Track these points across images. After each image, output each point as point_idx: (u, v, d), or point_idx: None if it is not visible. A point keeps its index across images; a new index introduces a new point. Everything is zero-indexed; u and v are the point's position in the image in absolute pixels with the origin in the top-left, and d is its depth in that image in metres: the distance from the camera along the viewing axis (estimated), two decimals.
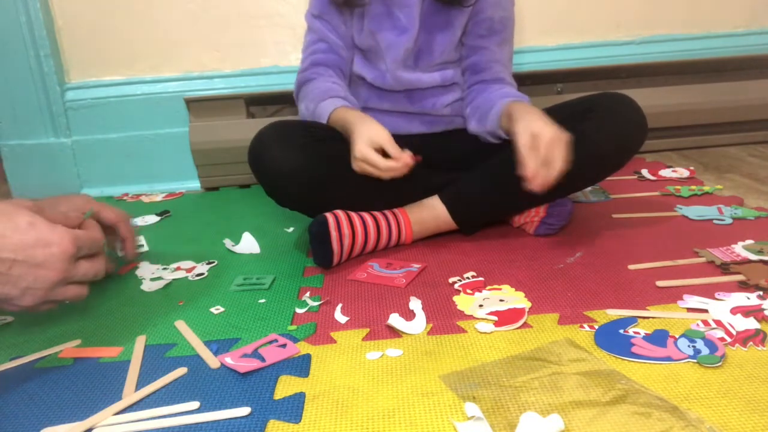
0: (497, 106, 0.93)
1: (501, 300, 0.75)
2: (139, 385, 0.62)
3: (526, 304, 0.74)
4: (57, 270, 0.59)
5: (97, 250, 0.65)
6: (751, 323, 0.66)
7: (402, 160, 0.84)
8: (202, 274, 0.91)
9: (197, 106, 1.41)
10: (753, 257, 0.83)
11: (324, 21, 0.99)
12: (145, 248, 1.05)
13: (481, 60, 1.00)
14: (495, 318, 0.70)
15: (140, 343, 0.71)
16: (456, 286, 0.80)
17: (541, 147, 0.78)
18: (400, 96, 1.02)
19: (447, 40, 0.98)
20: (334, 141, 0.98)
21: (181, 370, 0.64)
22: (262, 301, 0.81)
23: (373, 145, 0.84)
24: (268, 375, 0.62)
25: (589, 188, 1.19)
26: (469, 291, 0.78)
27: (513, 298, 0.76)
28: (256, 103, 1.43)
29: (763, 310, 0.69)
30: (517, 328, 0.68)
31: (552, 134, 0.78)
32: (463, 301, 0.75)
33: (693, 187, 1.18)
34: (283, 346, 0.68)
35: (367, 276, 0.86)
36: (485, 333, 0.68)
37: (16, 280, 0.57)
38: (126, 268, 0.95)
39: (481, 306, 0.73)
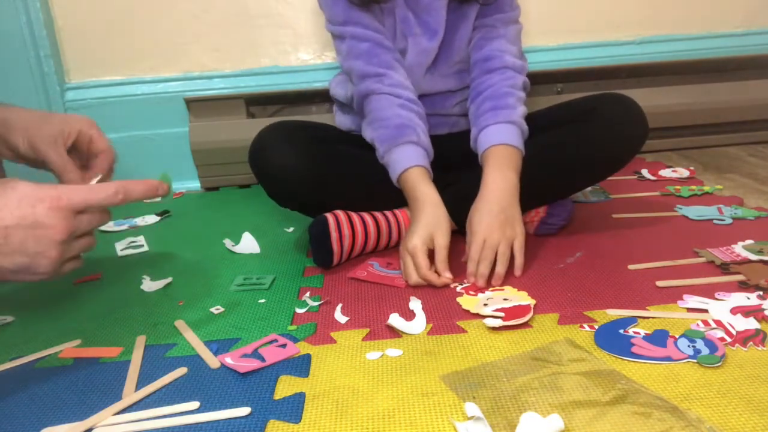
0: (478, 144, 0.91)
1: (505, 299, 0.75)
2: (139, 385, 0.62)
3: (530, 301, 0.74)
4: (56, 226, 0.55)
5: (98, 205, 0.60)
6: (751, 323, 0.66)
7: (443, 280, 0.80)
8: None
9: (197, 106, 1.41)
10: (753, 257, 0.83)
11: (354, 24, 0.94)
12: (145, 248, 1.06)
13: (485, 37, 0.97)
14: (502, 314, 0.70)
15: (140, 343, 0.71)
16: (458, 289, 0.80)
17: (488, 252, 0.81)
18: None
19: (464, 35, 0.97)
20: (335, 141, 0.98)
21: (181, 370, 0.64)
22: (262, 301, 0.81)
23: (430, 245, 0.81)
24: (268, 375, 0.62)
25: (589, 188, 1.20)
26: (471, 292, 0.78)
27: (517, 296, 0.76)
28: (256, 103, 1.43)
29: (763, 310, 0.69)
30: (520, 326, 0.68)
31: (496, 241, 0.81)
32: (467, 302, 0.75)
33: (693, 187, 1.18)
34: (283, 346, 0.68)
35: (367, 275, 0.86)
36: (494, 328, 0.68)
37: (20, 246, 0.55)
38: (87, 278, 0.93)
39: (485, 305, 0.73)
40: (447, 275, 0.80)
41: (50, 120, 0.74)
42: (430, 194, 0.85)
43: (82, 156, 0.78)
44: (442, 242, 0.81)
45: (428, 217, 0.83)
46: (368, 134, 0.94)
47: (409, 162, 0.88)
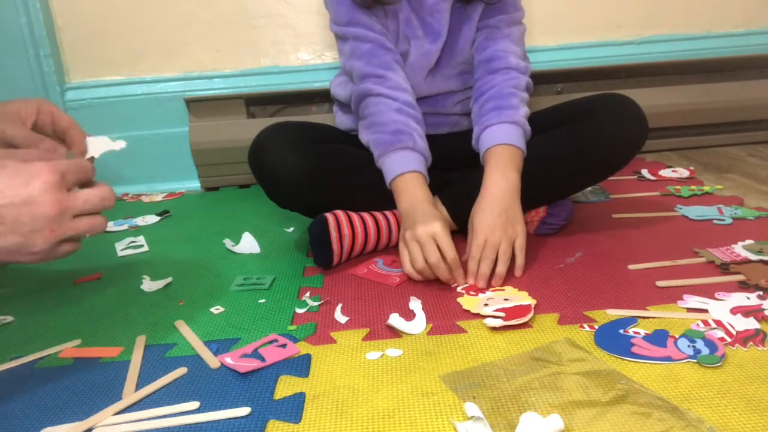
0: (480, 144, 0.91)
1: (505, 299, 0.75)
2: (139, 385, 0.62)
3: (531, 301, 0.74)
4: (49, 202, 0.54)
5: (84, 175, 0.59)
6: (751, 323, 0.66)
7: (460, 277, 0.80)
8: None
9: (197, 106, 1.41)
10: (753, 257, 0.83)
11: (357, 25, 0.94)
12: (145, 248, 1.06)
13: (489, 37, 0.97)
14: (503, 314, 0.70)
15: (140, 343, 0.71)
16: (459, 289, 0.80)
17: (489, 252, 0.80)
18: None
19: (468, 36, 0.97)
20: (335, 142, 0.98)
21: (181, 370, 0.64)
22: (262, 301, 0.81)
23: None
24: (268, 375, 0.62)
25: (589, 188, 1.19)
26: (472, 292, 0.78)
27: (517, 296, 0.76)
28: (256, 103, 1.43)
29: (763, 310, 0.69)
30: (520, 327, 0.68)
31: (497, 240, 0.81)
32: (467, 302, 0.75)
33: (693, 187, 1.18)
34: (283, 346, 0.68)
35: (367, 272, 0.86)
36: (495, 328, 0.68)
37: (13, 225, 0.54)
38: (87, 278, 0.93)
39: (486, 305, 0.73)
40: (461, 271, 0.80)
41: (5, 104, 0.72)
42: (426, 196, 0.86)
43: (49, 136, 0.73)
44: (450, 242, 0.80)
45: (429, 211, 0.82)
46: (364, 137, 0.94)
47: (404, 167, 0.88)
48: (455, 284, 0.81)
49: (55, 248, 0.57)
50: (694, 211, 1.04)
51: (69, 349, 0.71)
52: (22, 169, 0.54)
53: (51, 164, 0.55)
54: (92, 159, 0.70)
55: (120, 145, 0.69)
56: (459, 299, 0.76)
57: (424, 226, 0.79)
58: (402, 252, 0.83)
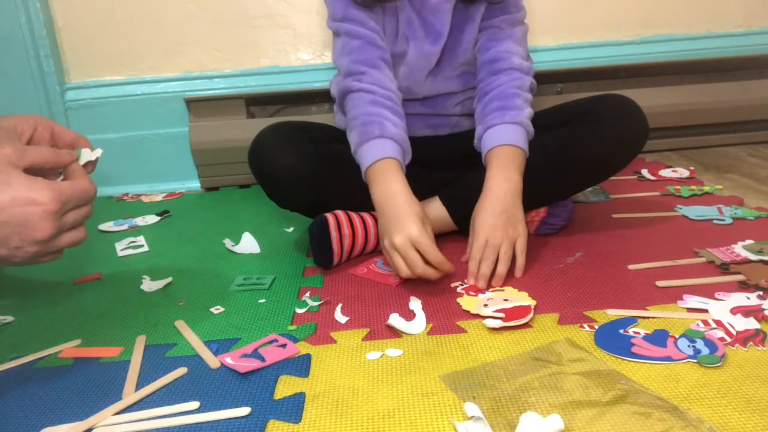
0: (482, 143, 0.90)
1: (505, 300, 0.75)
2: (139, 385, 0.62)
3: (531, 302, 0.74)
4: (42, 229, 0.56)
5: (86, 202, 0.60)
6: (751, 323, 0.66)
7: (446, 269, 0.79)
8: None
9: (197, 106, 1.41)
10: (753, 257, 0.83)
11: (350, 21, 0.93)
12: (145, 248, 1.06)
13: (492, 38, 0.96)
14: (502, 315, 0.70)
15: (140, 343, 0.71)
16: (459, 289, 0.80)
17: (490, 252, 0.80)
18: (415, 102, 1.00)
19: (470, 37, 0.97)
20: (334, 141, 0.98)
21: (181, 370, 0.64)
22: (262, 301, 0.81)
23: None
24: (268, 375, 0.62)
25: (589, 188, 1.19)
26: (472, 293, 0.78)
27: (517, 297, 0.76)
28: (256, 103, 1.43)
29: (763, 310, 0.69)
30: (520, 327, 0.68)
31: (499, 241, 0.81)
32: (467, 302, 0.75)
33: (693, 187, 1.18)
34: (283, 346, 0.68)
35: (367, 272, 0.86)
36: (494, 329, 0.68)
37: (3, 241, 0.55)
38: (87, 278, 0.93)
39: (486, 305, 0.73)
40: (448, 265, 0.79)
41: (0, 119, 0.70)
42: (398, 187, 0.81)
43: None
44: (431, 236, 0.79)
45: (403, 210, 0.79)
46: (348, 135, 0.93)
47: (372, 157, 0.84)
48: (454, 284, 0.81)
49: (36, 260, 0.59)
50: (694, 211, 1.04)
51: (69, 349, 0.71)
52: (26, 190, 0.55)
53: (56, 192, 0.56)
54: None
55: (97, 153, 0.69)
56: (458, 299, 0.76)
57: (400, 232, 0.77)
58: (388, 259, 0.81)
